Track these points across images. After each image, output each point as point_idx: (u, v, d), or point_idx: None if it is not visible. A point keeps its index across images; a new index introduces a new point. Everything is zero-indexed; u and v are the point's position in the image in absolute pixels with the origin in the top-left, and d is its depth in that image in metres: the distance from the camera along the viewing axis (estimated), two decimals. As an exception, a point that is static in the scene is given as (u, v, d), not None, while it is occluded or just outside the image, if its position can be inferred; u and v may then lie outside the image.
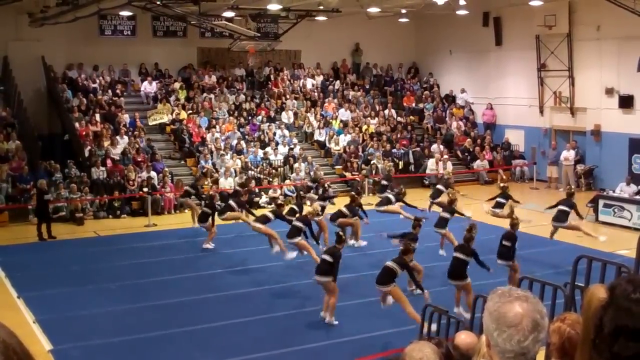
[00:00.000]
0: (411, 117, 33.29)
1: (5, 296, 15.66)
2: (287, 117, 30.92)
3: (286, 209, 18.89)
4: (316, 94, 32.73)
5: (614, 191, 23.00)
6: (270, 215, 18.12)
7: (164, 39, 31.36)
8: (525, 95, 30.62)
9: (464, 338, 5.11)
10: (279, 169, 27.35)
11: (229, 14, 25.91)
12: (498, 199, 19.98)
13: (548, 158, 28.92)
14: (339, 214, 18.91)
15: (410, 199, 21.24)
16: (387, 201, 20.26)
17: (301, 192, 22.54)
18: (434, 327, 9.70)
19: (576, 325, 4.05)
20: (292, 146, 28.77)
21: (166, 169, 25.86)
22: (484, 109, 32.78)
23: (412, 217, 16.54)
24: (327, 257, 13.62)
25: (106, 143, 26.38)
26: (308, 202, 20.18)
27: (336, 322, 13.56)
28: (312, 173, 26.07)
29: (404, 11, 31.17)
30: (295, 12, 26.97)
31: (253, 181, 24.50)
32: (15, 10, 26.37)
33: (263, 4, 24.53)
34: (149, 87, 30.18)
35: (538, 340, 2.67)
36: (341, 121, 31.33)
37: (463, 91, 33.87)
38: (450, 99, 34.46)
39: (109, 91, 29.35)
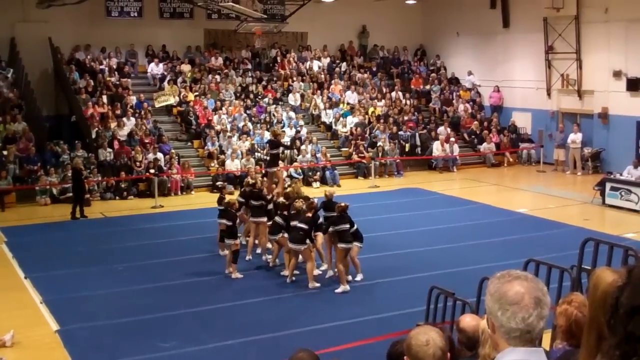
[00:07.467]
0: (410, 100, 33.14)
1: (12, 277, 15.75)
2: (293, 99, 30.86)
3: None
4: (323, 76, 32.63)
5: (621, 174, 22.92)
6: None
7: (171, 21, 31.26)
8: (532, 78, 30.47)
9: (468, 321, 5.11)
10: (285, 152, 27.29)
11: (236, -5, 25.80)
12: None
13: (555, 141, 28.82)
14: None
15: (416, 181, 21.24)
16: None
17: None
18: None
19: (583, 307, 4.05)
20: (298, 128, 28.72)
21: (173, 150, 25.89)
22: (491, 91, 32.65)
23: None
24: (302, 225, 14.35)
25: (113, 124, 26.40)
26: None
27: (318, 285, 14.56)
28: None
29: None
30: (302, -7, 26.88)
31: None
32: (22, -9, 26.32)
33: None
34: (156, 68, 30.14)
35: (542, 316, 2.72)
36: (348, 103, 31.24)
37: (470, 73, 33.71)
38: (455, 81, 34.31)
39: (116, 73, 29.33)
